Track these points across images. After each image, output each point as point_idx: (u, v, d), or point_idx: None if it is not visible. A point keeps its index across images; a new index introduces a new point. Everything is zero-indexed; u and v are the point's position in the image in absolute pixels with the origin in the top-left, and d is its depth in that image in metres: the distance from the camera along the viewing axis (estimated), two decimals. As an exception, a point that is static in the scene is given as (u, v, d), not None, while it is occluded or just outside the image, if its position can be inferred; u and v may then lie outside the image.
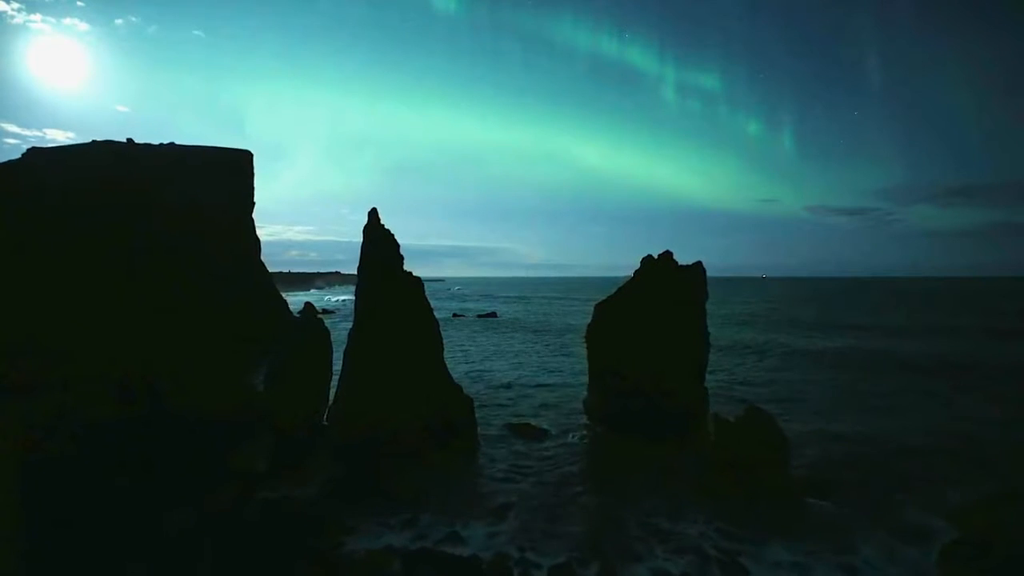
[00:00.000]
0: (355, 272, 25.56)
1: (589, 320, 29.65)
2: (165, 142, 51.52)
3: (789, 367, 47.88)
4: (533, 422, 29.51)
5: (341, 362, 24.98)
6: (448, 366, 26.98)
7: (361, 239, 25.13)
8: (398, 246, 25.12)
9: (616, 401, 27.77)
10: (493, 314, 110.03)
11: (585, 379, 31.67)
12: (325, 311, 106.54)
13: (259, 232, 53.55)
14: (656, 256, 28.61)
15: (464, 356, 54.88)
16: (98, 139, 46.71)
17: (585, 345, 30.15)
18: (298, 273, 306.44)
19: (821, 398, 35.74)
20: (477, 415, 28.00)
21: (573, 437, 27.55)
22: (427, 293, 26.33)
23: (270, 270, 54.66)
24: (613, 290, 29.70)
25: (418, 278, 25.50)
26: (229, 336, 21.73)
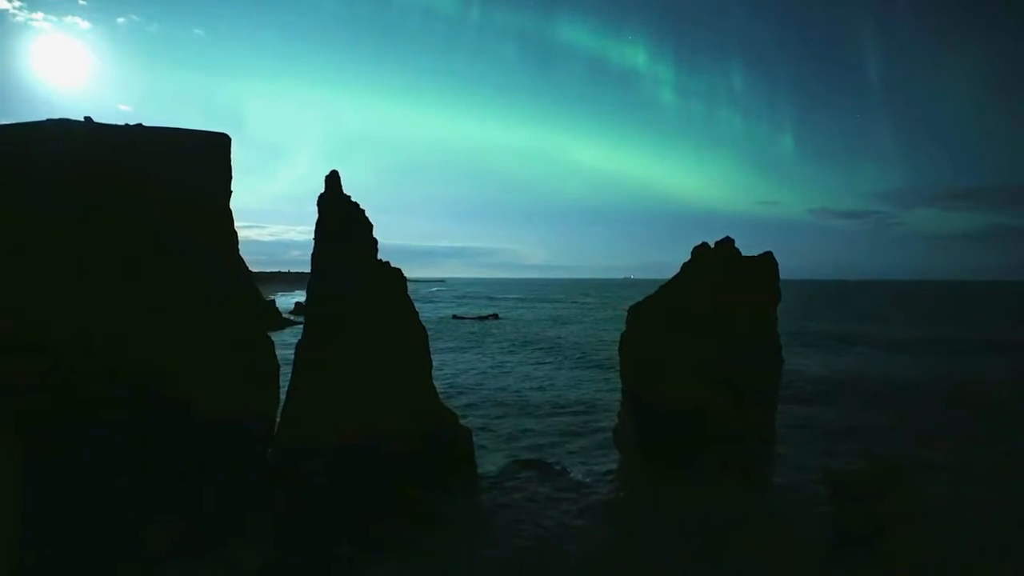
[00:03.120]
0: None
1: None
2: (132, 123, 45.23)
3: (832, 392, 37.64)
4: (549, 458, 22.93)
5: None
6: (438, 383, 20.69)
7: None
8: (371, 226, 18.59)
9: (658, 429, 21.38)
10: (495, 315, 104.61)
11: (613, 399, 25.38)
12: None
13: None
14: (713, 245, 22.07)
15: (460, 369, 47.41)
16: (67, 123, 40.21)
17: (613, 356, 23.78)
18: (296, 273, 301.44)
19: (905, 436, 27.19)
20: (476, 443, 21.86)
21: (604, 478, 21.06)
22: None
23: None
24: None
25: (397, 269, 18.99)
26: (226, 336, 18.97)
